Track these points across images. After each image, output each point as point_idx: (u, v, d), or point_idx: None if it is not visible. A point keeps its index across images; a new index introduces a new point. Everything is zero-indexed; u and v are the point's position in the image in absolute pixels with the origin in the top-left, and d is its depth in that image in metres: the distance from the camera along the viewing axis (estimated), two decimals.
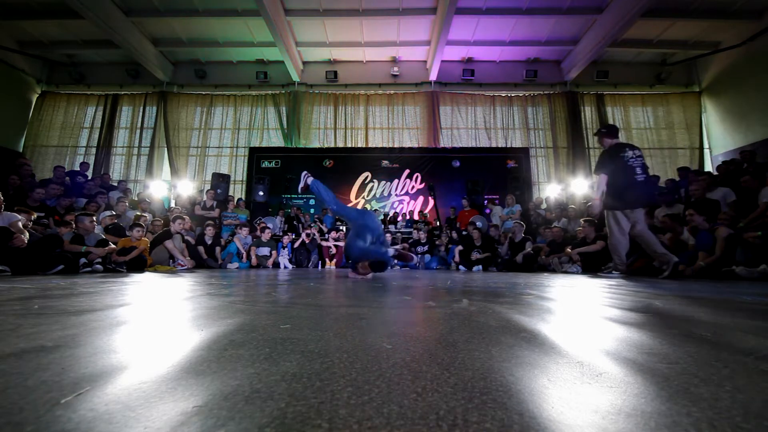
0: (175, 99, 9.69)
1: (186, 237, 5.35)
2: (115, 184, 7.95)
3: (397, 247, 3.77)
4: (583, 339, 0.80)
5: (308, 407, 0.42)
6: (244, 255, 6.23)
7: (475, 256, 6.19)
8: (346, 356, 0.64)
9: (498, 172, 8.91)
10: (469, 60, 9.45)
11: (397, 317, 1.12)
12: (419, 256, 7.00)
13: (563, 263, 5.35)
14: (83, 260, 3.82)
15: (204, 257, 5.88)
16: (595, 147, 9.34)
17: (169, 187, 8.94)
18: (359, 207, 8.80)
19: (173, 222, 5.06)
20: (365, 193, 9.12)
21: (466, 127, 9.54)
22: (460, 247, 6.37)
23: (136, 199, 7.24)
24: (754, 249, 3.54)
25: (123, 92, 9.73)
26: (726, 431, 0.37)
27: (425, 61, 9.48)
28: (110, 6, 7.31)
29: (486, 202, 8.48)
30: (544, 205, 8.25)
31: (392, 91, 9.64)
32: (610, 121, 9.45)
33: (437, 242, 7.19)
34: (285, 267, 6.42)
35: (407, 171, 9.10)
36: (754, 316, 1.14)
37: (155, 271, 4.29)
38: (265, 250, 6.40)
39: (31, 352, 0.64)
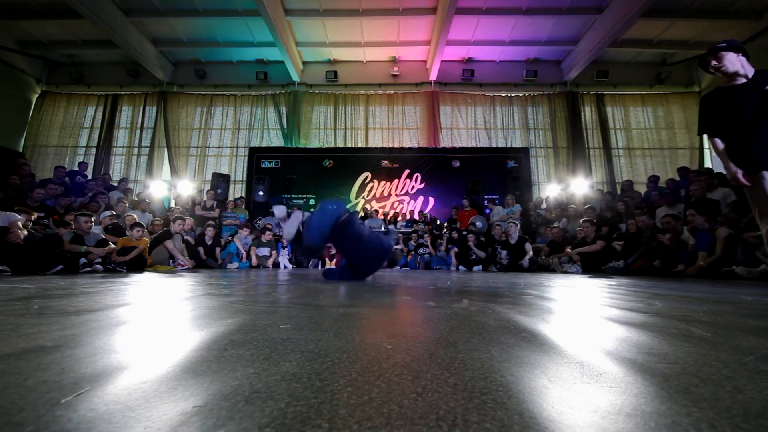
0: (175, 99, 9.68)
1: (186, 237, 5.35)
2: (116, 184, 7.95)
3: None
4: (583, 339, 0.80)
5: (308, 407, 0.42)
6: (244, 255, 6.22)
7: (473, 256, 6.19)
8: (346, 356, 0.64)
9: (498, 172, 8.90)
10: (469, 60, 9.44)
11: (397, 317, 1.12)
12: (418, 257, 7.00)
13: (563, 263, 5.36)
14: (83, 260, 3.82)
15: (204, 257, 5.88)
16: (595, 147, 9.35)
17: (169, 187, 8.94)
18: (359, 207, 8.82)
19: (173, 222, 5.06)
20: (365, 193, 9.12)
21: (466, 127, 9.53)
22: (457, 249, 6.36)
23: (136, 199, 7.24)
24: (754, 249, 3.54)
25: (123, 92, 9.72)
26: (726, 431, 0.37)
27: (425, 61, 9.47)
28: (110, 6, 7.31)
29: (486, 202, 8.47)
30: (544, 205, 8.25)
31: (392, 91, 9.64)
32: (610, 122, 9.43)
33: (438, 242, 7.19)
34: (285, 267, 6.42)
35: (407, 171, 9.09)
36: (754, 316, 1.14)
37: (155, 271, 4.28)
38: (265, 251, 6.40)
39: (31, 352, 0.64)
